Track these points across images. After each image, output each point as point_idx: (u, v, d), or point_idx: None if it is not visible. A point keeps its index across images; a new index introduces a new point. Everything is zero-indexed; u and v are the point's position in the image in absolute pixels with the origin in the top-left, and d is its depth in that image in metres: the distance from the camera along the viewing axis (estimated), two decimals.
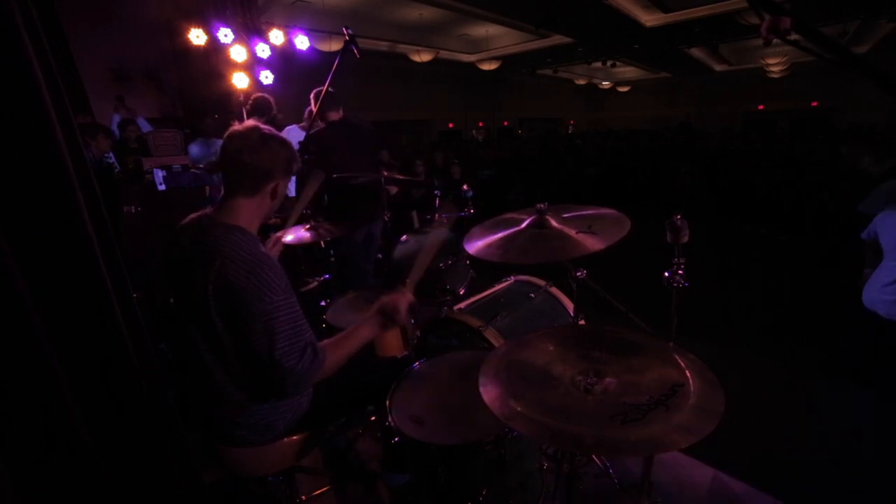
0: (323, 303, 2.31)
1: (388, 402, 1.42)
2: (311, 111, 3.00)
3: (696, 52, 16.01)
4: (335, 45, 9.66)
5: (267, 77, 5.24)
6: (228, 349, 1.23)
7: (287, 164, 1.33)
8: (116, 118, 5.10)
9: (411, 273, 1.57)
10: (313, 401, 1.44)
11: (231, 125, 1.31)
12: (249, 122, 1.30)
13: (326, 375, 1.31)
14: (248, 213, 1.30)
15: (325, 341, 1.34)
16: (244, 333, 1.18)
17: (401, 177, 2.48)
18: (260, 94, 3.97)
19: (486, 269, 2.54)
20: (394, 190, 3.86)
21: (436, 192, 2.71)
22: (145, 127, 5.03)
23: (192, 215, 1.34)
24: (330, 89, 2.83)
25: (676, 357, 1.09)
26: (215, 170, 4.37)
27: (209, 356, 1.26)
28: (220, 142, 5.00)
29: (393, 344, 2.07)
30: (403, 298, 1.44)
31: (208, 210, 1.32)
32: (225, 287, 1.16)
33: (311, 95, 2.95)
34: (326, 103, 2.86)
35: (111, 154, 4.22)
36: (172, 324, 1.33)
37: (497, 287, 2.20)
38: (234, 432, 1.33)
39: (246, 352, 1.21)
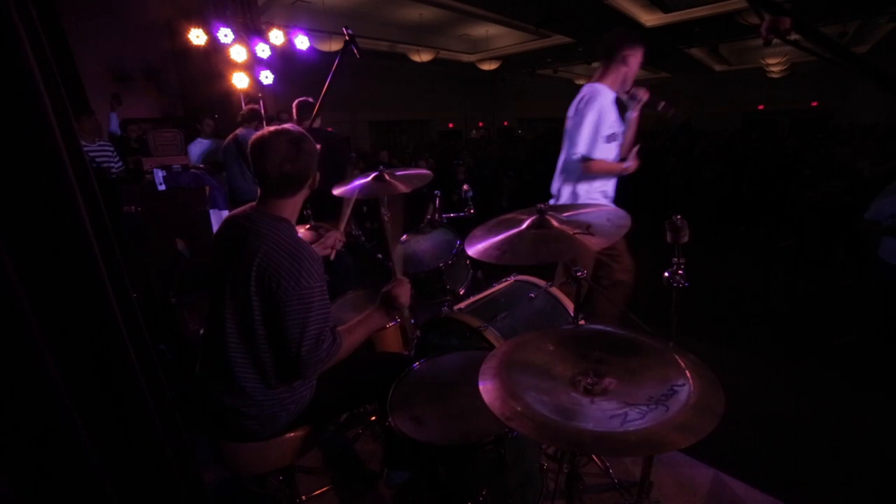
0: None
1: (388, 402, 1.42)
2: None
3: (696, 52, 16.00)
4: (335, 45, 9.66)
5: (267, 77, 5.24)
6: (258, 334, 1.30)
7: (316, 154, 1.41)
8: (114, 117, 5.10)
9: (393, 257, 1.71)
10: (315, 395, 1.46)
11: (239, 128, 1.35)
12: (273, 129, 1.35)
13: (338, 361, 1.38)
14: (292, 207, 1.41)
15: (341, 327, 1.41)
16: (280, 316, 1.25)
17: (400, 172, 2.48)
18: (303, 99, 3.95)
19: (486, 269, 2.54)
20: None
21: (436, 192, 2.70)
22: (114, 123, 5.04)
23: (242, 207, 1.43)
24: (310, 99, 3.11)
25: (676, 357, 1.09)
26: (216, 170, 4.37)
27: (235, 342, 1.32)
28: (221, 142, 5.01)
29: (393, 344, 2.07)
30: (401, 284, 1.53)
31: (255, 203, 1.40)
32: (268, 270, 1.24)
33: (295, 105, 3.18)
34: (306, 111, 3.17)
35: (111, 151, 4.22)
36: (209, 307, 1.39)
37: (497, 287, 2.20)
38: (239, 422, 1.36)
39: (277, 335, 1.29)
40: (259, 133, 1.35)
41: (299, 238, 1.33)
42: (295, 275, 1.24)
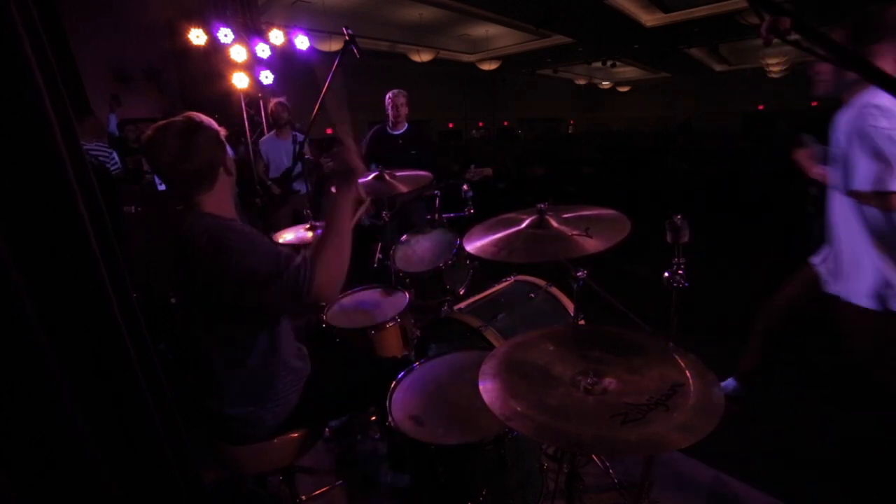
0: (323, 303, 2.31)
1: (388, 402, 1.42)
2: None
3: (696, 52, 16.03)
4: (335, 45, 9.67)
5: (267, 77, 5.24)
6: (219, 322, 1.28)
7: (218, 139, 1.28)
8: (113, 118, 5.10)
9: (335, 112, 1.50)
10: (305, 398, 1.45)
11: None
12: (155, 128, 1.23)
13: (337, 272, 1.24)
14: (217, 199, 1.31)
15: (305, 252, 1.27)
16: (244, 289, 1.18)
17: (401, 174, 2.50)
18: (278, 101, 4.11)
19: (486, 269, 2.55)
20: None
21: (436, 192, 2.70)
22: (112, 124, 5.05)
23: (183, 226, 1.32)
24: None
25: (676, 357, 1.09)
26: None
27: (205, 339, 1.31)
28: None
29: (393, 344, 2.07)
30: (345, 150, 1.32)
31: (188, 217, 1.30)
32: (200, 260, 1.19)
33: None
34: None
35: (115, 155, 4.22)
36: (180, 320, 1.38)
37: (497, 287, 2.20)
38: (226, 426, 1.37)
39: (237, 304, 1.22)
40: (146, 134, 1.23)
41: (224, 221, 1.25)
42: (217, 254, 1.17)
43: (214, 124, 1.31)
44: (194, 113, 1.29)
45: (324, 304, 1.94)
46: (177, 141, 1.21)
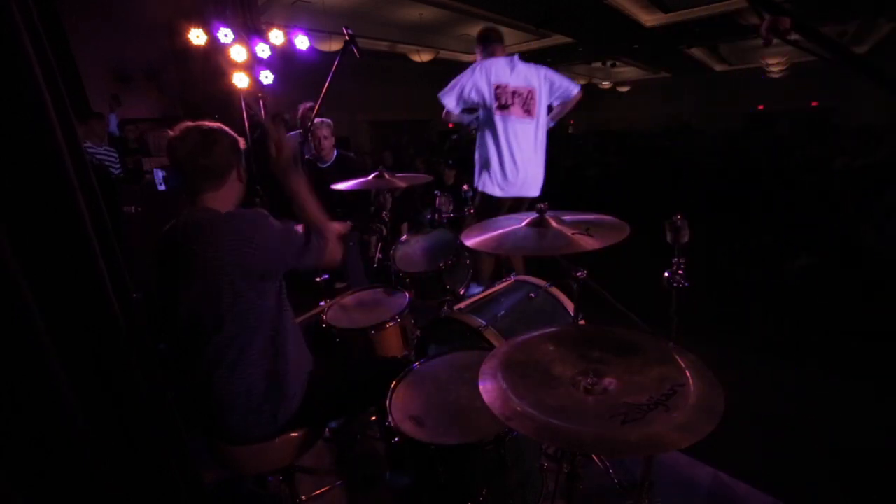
0: (322, 303, 2.31)
1: (388, 402, 1.42)
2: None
3: (696, 52, 16.00)
4: (335, 45, 9.66)
5: (267, 77, 5.23)
6: (226, 316, 1.30)
7: (236, 147, 1.41)
8: (113, 118, 5.10)
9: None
10: (306, 397, 1.45)
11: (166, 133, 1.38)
12: (183, 125, 1.34)
13: (322, 226, 1.48)
14: (223, 200, 1.39)
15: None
16: (276, 267, 1.34)
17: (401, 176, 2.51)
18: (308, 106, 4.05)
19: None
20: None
21: (436, 192, 2.71)
22: (112, 124, 5.04)
23: (172, 222, 1.41)
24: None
25: (676, 357, 1.09)
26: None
27: (210, 337, 1.31)
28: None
29: (393, 344, 2.07)
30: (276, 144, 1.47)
31: (184, 212, 1.39)
32: (231, 254, 1.26)
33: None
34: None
35: (115, 156, 4.22)
36: (173, 319, 1.39)
37: (497, 287, 2.20)
38: (228, 426, 1.36)
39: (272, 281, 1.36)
40: (177, 127, 1.35)
41: (228, 212, 1.36)
42: (249, 239, 1.28)
43: (236, 135, 1.43)
44: (225, 126, 1.41)
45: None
46: (200, 139, 1.33)
